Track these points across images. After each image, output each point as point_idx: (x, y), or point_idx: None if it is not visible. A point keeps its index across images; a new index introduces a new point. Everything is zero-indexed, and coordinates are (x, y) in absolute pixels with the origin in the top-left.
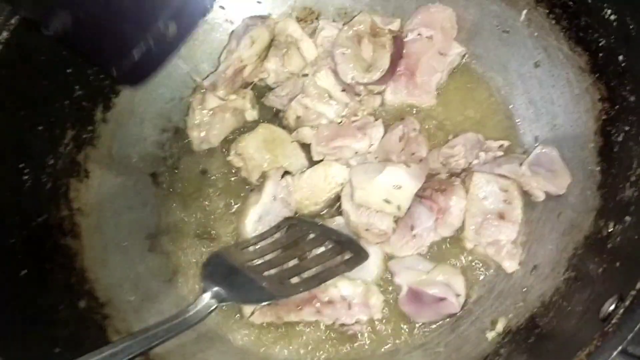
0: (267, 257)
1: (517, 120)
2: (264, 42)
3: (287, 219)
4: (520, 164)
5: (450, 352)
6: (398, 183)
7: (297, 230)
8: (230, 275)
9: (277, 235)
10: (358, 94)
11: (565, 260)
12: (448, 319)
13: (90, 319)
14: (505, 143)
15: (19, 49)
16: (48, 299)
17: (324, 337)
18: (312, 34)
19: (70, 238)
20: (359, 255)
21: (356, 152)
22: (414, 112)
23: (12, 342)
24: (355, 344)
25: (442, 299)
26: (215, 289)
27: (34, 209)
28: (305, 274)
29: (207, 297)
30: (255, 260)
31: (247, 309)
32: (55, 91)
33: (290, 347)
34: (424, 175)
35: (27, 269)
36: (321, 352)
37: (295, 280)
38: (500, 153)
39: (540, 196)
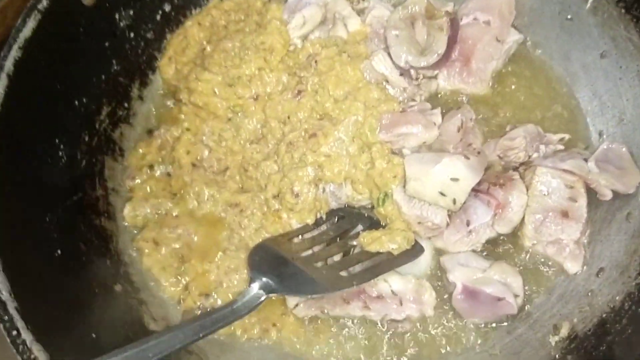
0: (317, 249)
1: (579, 114)
2: (315, 23)
3: (335, 210)
4: (586, 160)
5: (507, 356)
6: (455, 175)
7: (347, 221)
8: (279, 265)
9: (325, 227)
10: (416, 78)
11: (637, 264)
12: (505, 322)
13: (126, 303)
14: (567, 136)
15: (58, 20)
16: (83, 282)
17: (371, 335)
18: (361, 13)
19: (106, 219)
20: (414, 250)
21: (424, 142)
22: (466, 100)
23: (48, 326)
24: (404, 344)
25: (499, 299)
26: (264, 279)
27: (68, 187)
28: (357, 267)
29: (255, 287)
30: (305, 251)
31: (292, 300)
32: (92, 65)
33: (333, 342)
34: (483, 169)
35: (62, 249)
36: (370, 349)
37: (346, 273)
38: (561, 147)
39: (607, 195)
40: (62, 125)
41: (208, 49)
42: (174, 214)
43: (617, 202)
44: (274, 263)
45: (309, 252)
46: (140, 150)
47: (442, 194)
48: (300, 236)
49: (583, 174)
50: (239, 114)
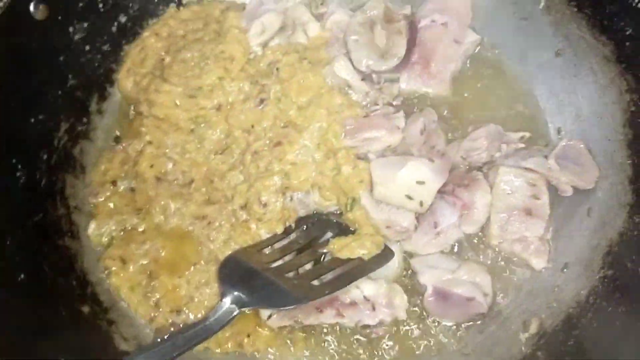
0: (287, 258)
1: (538, 112)
2: (274, 30)
3: (304, 217)
4: (546, 157)
5: (480, 355)
6: (421, 178)
7: (316, 228)
8: (250, 278)
9: (295, 235)
10: (377, 82)
11: (600, 258)
12: (476, 321)
13: (95, 325)
14: (527, 135)
15: (8, 34)
16: (49, 305)
17: (346, 342)
18: (320, 18)
19: (69, 238)
20: (384, 254)
21: (389, 146)
22: (428, 102)
23: (13, 353)
24: (379, 349)
25: (469, 299)
26: (235, 293)
27: (28, 208)
28: (329, 275)
29: (227, 302)
30: (275, 262)
31: (265, 312)
32: (47, 81)
33: (308, 352)
34: (447, 170)
35: (25, 273)
36: (345, 357)
37: (318, 282)
38: (522, 145)
39: (568, 191)
40: (18, 144)
41: (167, 59)
42: (140, 230)
43: (578, 197)
44: (245, 276)
45: (280, 262)
46: (103, 166)
47: (408, 197)
48: (270, 246)
49: (544, 172)
50: (202, 125)
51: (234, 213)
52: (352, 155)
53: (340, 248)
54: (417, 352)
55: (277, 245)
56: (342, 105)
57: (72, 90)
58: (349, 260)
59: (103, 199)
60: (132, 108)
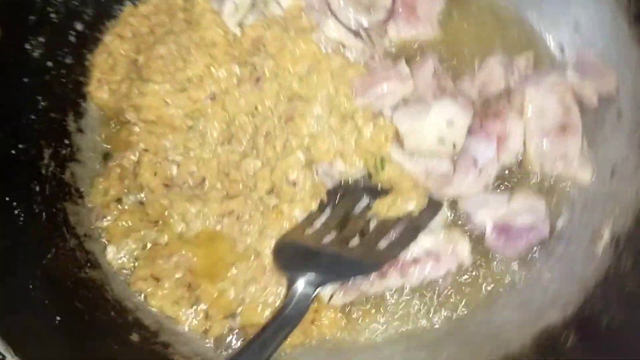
0: (334, 232)
1: (533, 34)
2: (246, 6)
3: (333, 190)
4: (565, 72)
5: (559, 278)
6: (450, 118)
7: (350, 197)
8: (312, 257)
9: (332, 209)
10: (368, 38)
11: None
12: (539, 248)
13: (152, 351)
14: (530, 54)
15: None
16: (97, 341)
17: (412, 303)
18: None
19: (90, 269)
20: (433, 204)
21: (403, 96)
22: (417, 46)
23: None
24: (448, 302)
25: (531, 227)
26: (305, 275)
27: (38, 247)
28: (392, 236)
29: (299, 286)
30: (325, 237)
31: (325, 293)
32: (17, 107)
33: (383, 321)
34: (472, 106)
35: (59, 314)
36: (418, 317)
37: (382, 244)
38: (529, 69)
39: (594, 100)
40: (6, 180)
41: (140, 59)
42: (163, 243)
43: (603, 105)
44: (306, 256)
45: (330, 236)
46: (100, 186)
47: (441, 141)
48: (310, 225)
49: (569, 85)
50: (200, 119)
51: (261, 201)
52: (369, 114)
53: (386, 209)
54: (489, 295)
55: (319, 222)
56: (342, 66)
57: (45, 112)
58: (400, 218)
59: (112, 220)
60: (114, 119)
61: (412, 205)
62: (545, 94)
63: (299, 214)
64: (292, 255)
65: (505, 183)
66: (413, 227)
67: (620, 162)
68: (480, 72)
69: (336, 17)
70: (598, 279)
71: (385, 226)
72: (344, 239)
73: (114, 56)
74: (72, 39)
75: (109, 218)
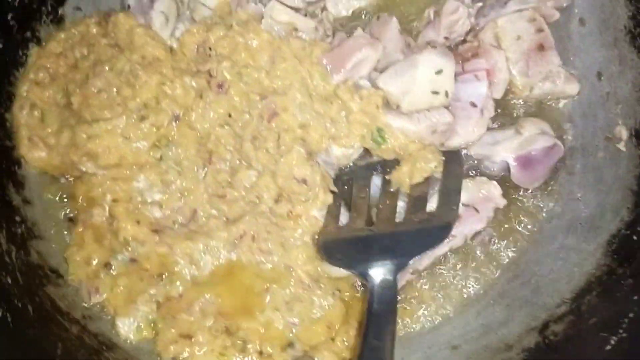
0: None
1: None
2: (175, 14)
3: (337, 177)
4: None
5: (592, 190)
6: (437, 67)
7: (361, 178)
8: (369, 245)
9: (348, 195)
10: (314, 16)
11: (627, 46)
12: (559, 169)
13: None
14: None
15: None
16: None
17: (464, 267)
18: None
19: (108, 352)
20: (452, 155)
21: (378, 60)
22: (365, 16)
23: None
24: (496, 248)
25: (550, 147)
26: (375, 264)
27: (42, 349)
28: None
29: (376, 277)
30: (362, 221)
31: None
32: None
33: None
34: (450, 52)
35: None
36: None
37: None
38: (480, 4)
39: (555, 14)
40: None
41: (74, 101)
42: (177, 294)
43: (563, 17)
44: (364, 247)
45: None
46: (77, 258)
47: (435, 92)
48: (336, 218)
49: (532, 5)
50: (169, 146)
51: (272, 212)
52: (351, 88)
53: (409, 176)
54: (528, 233)
55: (344, 212)
56: (305, 47)
57: None
58: (427, 179)
59: (108, 290)
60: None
61: (433, 163)
62: (516, 20)
63: (317, 212)
64: (346, 251)
65: (501, 119)
66: (450, 179)
67: (603, 64)
68: (443, 17)
69: (278, 0)
70: (637, 175)
71: (420, 190)
72: (386, 217)
73: (39, 107)
74: None
75: (102, 290)
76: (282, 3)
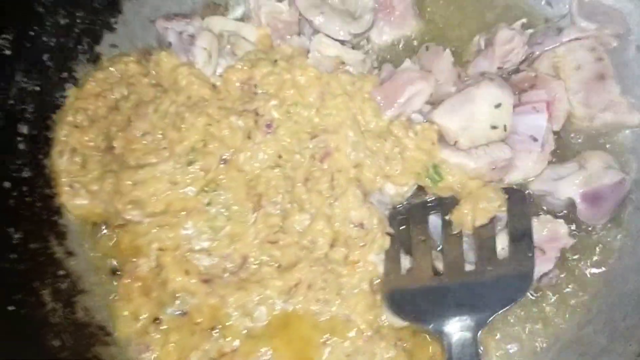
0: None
1: None
2: (217, 50)
3: (391, 217)
4: (574, 24)
5: None
6: (496, 101)
7: (418, 219)
8: (442, 297)
9: (407, 238)
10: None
11: None
12: (627, 206)
13: None
14: (524, 20)
15: None
16: None
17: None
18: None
19: None
20: (514, 193)
21: (430, 94)
22: (414, 43)
23: None
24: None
25: (619, 182)
26: (450, 319)
27: None
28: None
29: (452, 334)
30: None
31: None
32: None
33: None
34: (507, 84)
35: None
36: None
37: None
38: (530, 31)
39: (613, 42)
40: (23, 349)
41: (117, 144)
42: (231, 350)
43: (619, 46)
44: (433, 299)
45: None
46: (125, 313)
47: (493, 127)
48: (396, 264)
49: (591, 34)
50: (217, 191)
51: (327, 258)
52: (404, 123)
53: (472, 216)
54: (598, 272)
55: (403, 256)
56: (354, 82)
57: (23, 245)
58: (493, 219)
59: (159, 347)
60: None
61: (496, 202)
62: (575, 48)
63: (374, 257)
64: (417, 304)
65: (559, 151)
66: (518, 220)
67: None
68: (497, 47)
69: (323, 33)
70: None
71: (487, 233)
72: (455, 265)
73: (79, 152)
74: (22, 146)
75: (153, 347)
76: (329, 36)
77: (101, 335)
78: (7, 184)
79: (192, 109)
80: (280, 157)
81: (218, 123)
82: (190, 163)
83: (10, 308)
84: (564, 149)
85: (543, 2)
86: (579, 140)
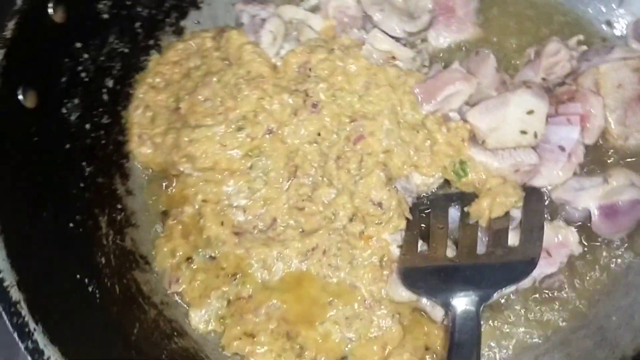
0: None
1: (578, 15)
2: (283, 34)
3: (414, 206)
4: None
5: None
6: (529, 108)
7: (439, 206)
8: (452, 275)
9: (425, 223)
10: (413, 47)
11: None
12: None
13: None
14: (581, 37)
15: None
16: None
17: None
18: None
19: (178, 338)
20: (533, 192)
21: (470, 95)
22: (464, 49)
23: None
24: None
25: (636, 202)
26: (457, 294)
27: (122, 325)
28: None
29: (457, 307)
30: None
31: (437, 315)
32: (65, 177)
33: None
34: (545, 93)
35: None
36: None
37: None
38: (584, 47)
39: None
40: (73, 258)
41: (183, 106)
42: (247, 295)
43: None
44: (446, 276)
45: (443, 249)
46: (165, 249)
47: (523, 132)
48: (413, 245)
49: (638, 55)
50: (260, 157)
51: (344, 230)
52: (439, 119)
53: (488, 210)
54: (602, 283)
55: (423, 244)
56: (400, 76)
57: (92, 178)
58: (508, 213)
59: (186, 282)
60: (163, 174)
61: (513, 198)
62: (620, 68)
63: (388, 237)
64: (429, 280)
65: (590, 166)
66: (531, 215)
67: None
68: (543, 58)
69: (380, 28)
70: None
71: (501, 223)
72: (468, 249)
73: (152, 109)
74: (105, 97)
75: (183, 281)
76: (384, 32)
77: (142, 263)
78: (87, 126)
79: (249, 82)
80: (319, 134)
81: (271, 98)
82: (239, 129)
83: (71, 225)
84: (595, 164)
85: (602, 22)
86: (612, 158)
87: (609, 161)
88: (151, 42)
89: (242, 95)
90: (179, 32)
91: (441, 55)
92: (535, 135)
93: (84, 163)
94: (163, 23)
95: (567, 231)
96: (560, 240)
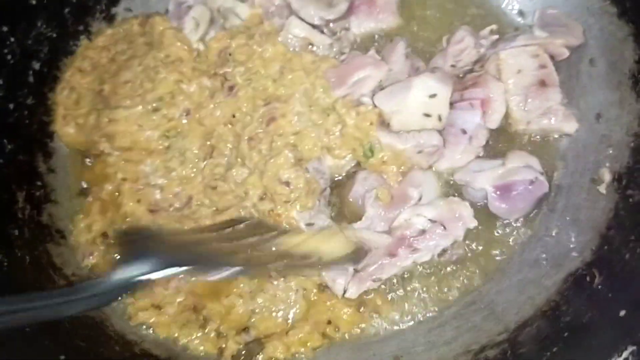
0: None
1: (491, 7)
2: (206, 22)
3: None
4: (533, 32)
5: (566, 229)
6: (432, 91)
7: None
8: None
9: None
10: (334, 33)
11: (628, 91)
12: (542, 205)
13: None
14: (494, 26)
15: None
16: None
17: (430, 281)
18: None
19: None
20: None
21: (380, 81)
22: (380, 36)
23: None
24: (464, 272)
25: (532, 181)
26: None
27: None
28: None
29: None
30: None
31: (338, 289)
32: None
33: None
34: (450, 78)
35: (64, 354)
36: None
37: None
38: (496, 36)
39: (564, 53)
40: None
41: (106, 88)
42: None
43: (574, 56)
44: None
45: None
46: (82, 224)
47: (426, 115)
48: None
49: (539, 41)
50: (176, 137)
51: (254, 208)
52: (350, 103)
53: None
54: (498, 258)
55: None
56: (314, 61)
57: (13, 155)
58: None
59: (100, 256)
60: (85, 154)
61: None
62: (519, 54)
63: (296, 214)
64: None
65: (493, 148)
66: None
67: (604, 106)
68: (450, 46)
69: (298, 16)
70: (609, 218)
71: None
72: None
73: (77, 90)
74: (31, 79)
75: (96, 254)
76: (301, 19)
77: (57, 237)
78: (11, 105)
79: (167, 65)
80: (234, 116)
81: (189, 81)
82: (155, 110)
83: None
84: (498, 147)
85: (515, 13)
86: (516, 142)
87: (512, 145)
88: (81, 27)
89: (159, 77)
90: (110, 18)
91: (361, 42)
92: (440, 119)
93: (4, 140)
94: (94, 9)
95: (461, 205)
96: (456, 215)
